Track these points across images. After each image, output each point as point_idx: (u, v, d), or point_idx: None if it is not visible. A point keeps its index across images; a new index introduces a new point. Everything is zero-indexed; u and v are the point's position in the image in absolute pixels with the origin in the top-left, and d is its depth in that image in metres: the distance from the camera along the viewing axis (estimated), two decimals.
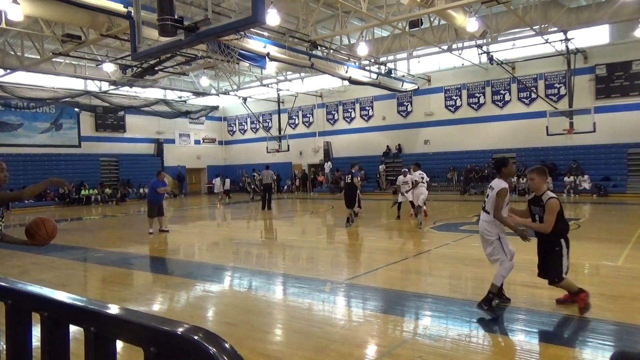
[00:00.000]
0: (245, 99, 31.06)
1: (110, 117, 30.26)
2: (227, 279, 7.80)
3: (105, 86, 26.16)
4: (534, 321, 5.06)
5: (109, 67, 21.39)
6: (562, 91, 22.47)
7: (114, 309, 0.92)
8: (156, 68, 20.42)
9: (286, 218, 17.61)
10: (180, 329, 0.79)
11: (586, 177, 21.58)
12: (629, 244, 9.31)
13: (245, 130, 36.65)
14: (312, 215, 18.73)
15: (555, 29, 17.75)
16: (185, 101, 32.47)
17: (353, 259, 9.34)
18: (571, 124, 19.27)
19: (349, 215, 13.01)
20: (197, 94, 30.36)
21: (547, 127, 19.89)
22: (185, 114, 33.13)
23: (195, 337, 0.76)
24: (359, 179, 13.21)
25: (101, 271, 8.62)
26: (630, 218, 13.74)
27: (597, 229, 12.23)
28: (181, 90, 29.78)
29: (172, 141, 33.79)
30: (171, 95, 31.73)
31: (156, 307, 6.19)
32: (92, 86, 26.95)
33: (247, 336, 4.78)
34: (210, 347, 0.74)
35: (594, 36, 21.73)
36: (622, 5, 15.86)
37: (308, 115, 32.83)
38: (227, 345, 0.76)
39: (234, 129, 37.35)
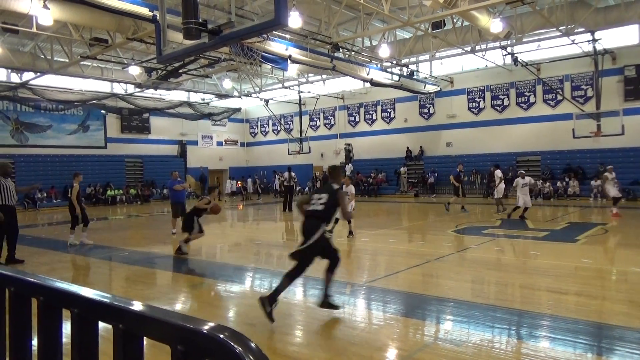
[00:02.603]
0: (267, 101, 31.29)
1: (135, 119, 30.84)
2: (248, 280, 7.86)
3: (130, 89, 26.73)
4: (559, 327, 4.96)
5: (135, 70, 21.83)
6: (589, 93, 21.97)
7: (141, 307, 0.94)
8: (180, 71, 20.73)
9: None
10: (207, 328, 0.80)
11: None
12: None
13: (266, 132, 36.87)
14: None
15: (582, 29, 17.37)
16: (208, 103, 32.90)
17: (374, 261, 9.30)
18: (598, 127, 18.86)
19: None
20: (220, 96, 30.71)
21: (573, 129, 19.51)
22: (208, 116, 33.52)
23: (222, 336, 0.78)
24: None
25: (125, 270, 8.78)
26: None
27: (625, 234, 11.92)
28: (204, 93, 30.16)
29: (195, 143, 34.23)
30: (194, 97, 32.20)
31: (178, 306, 6.28)
32: (118, 89, 27.52)
33: (267, 337, 4.81)
34: (236, 346, 0.75)
35: (622, 36, 21.16)
36: None
37: (329, 117, 32.86)
38: (252, 345, 0.77)
39: (256, 131, 37.61)
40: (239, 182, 31.34)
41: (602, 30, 17.49)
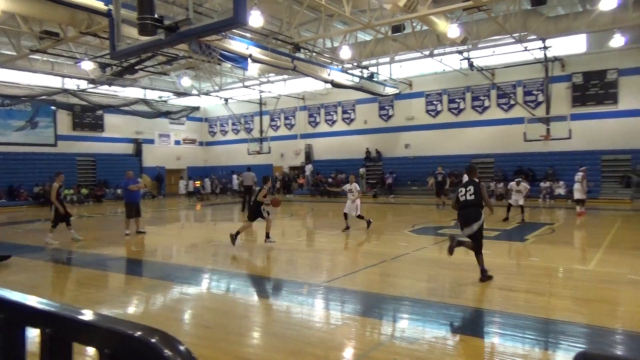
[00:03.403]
0: (226, 100, 30.90)
1: (88, 116, 29.73)
2: (204, 282, 7.73)
3: (83, 84, 25.71)
4: (508, 324, 5.14)
5: (88, 65, 21.02)
6: (540, 98, 22.92)
7: (70, 311, 0.90)
8: (136, 67, 20.15)
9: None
10: (136, 331, 0.77)
11: (561, 182, 22.03)
12: (601, 248, 9.53)
13: (226, 132, 36.43)
14: (291, 218, 18.69)
15: (534, 37, 18.10)
16: (165, 101, 32.12)
17: (331, 261, 9.34)
18: (548, 131, 19.66)
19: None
20: (178, 94, 30.07)
21: (524, 133, 20.28)
22: (166, 114, 32.75)
23: (152, 340, 0.75)
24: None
25: (75, 273, 8.45)
26: (603, 223, 14.07)
27: (570, 233, 12.51)
28: (162, 90, 29.45)
29: (152, 141, 33.38)
30: (151, 95, 31.35)
31: (131, 309, 6.09)
32: (70, 84, 26.46)
33: (222, 339, 4.74)
34: (165, 350, 0.73)
35: (571, 45, 22.23)
36: (598, 16, 16.26)
37: (290, 117, 32.81)
38: (182, 348, 0.75)
39: (215, 130, 37.10)
40: (196, 182, 30.81)
41: (552, 38, 18.28)
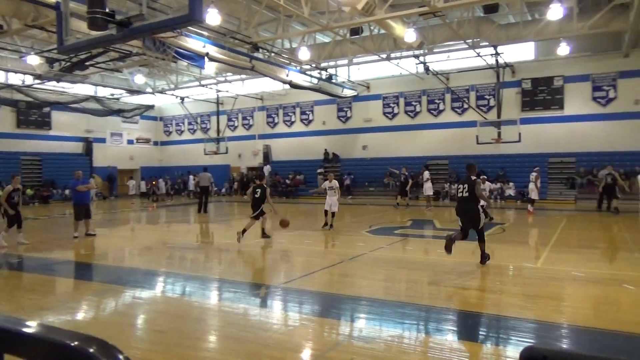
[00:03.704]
0: (182, 99, 30.23)
1: (34, 113, 28.31)
2: (158, 285, 7.51)
3: (29, 80, 24.44)
4: (461, 321, 5.27)
5: (34, 60, 20.02)
6: (492, 103, 23.75)
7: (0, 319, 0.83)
8: (87, 63, 19.36)
9: (223, 221, 17.28)
10: (73, 341, 0.72)
11: (511, 184, 22.91)
12: (548, 246, 9.96)
13: (182, 131, 35.70)
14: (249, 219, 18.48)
15: (486, 43, 18.76)
16: (118, 99, 31.04)
17: (290, 262, 9.31)
18: (499, 134, 20.39)
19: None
20: (131, 91, 29.15)
21: (477, 136, 20.93)
22: (118, 112, 31.68)
23: (90, 350, 0.70)
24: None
25: (19, 278, 8.02)
26: (549, 223, 14.72)
27: (520, 233, 13.01)
28: (114, 88, 28.43)
29: (103, 140, 32.19)
30: (103, 92, 30.21)
31: (79, 316, 5.83)
32: (15, 79, 25.12)
33: (176, 344, 4.61)
34: None
35: (521, 52, 23.22)
36: (546, 25, 17.03)
37: (248, 117, 32.51)
38: (122, 357, 0.70)
39: (170, 130, 36.28)
40: (150, 183, 29.98)
41: (503, 45, 19.00)
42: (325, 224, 12.89)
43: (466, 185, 7.95)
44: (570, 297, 6.33)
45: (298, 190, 28.31)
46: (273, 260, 9.44)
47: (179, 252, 10.46)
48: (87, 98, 29.40)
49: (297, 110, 30.43)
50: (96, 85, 27.86)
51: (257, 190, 11.11)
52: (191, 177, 29.21)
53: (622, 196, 16.87)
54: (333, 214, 12.93)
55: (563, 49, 19.70)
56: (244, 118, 32.66)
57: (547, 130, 22.86)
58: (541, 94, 23.20)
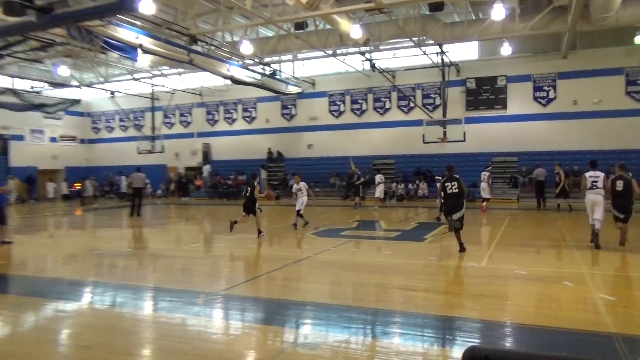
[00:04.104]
0: (113, 93, 29.04)
1: None
2: (85, 296, 7.17)
3: None
4: (408, 323, 5.40)
5: None
6: (437, 101, 24.56)
7: None
8: (2, 52, 18.19)
9: (158, 225, 16.77)
10: None
11: (456, 183, 23.73)
12: (492, 246, 10.44)
13: (112, 129, 34.35)
14: (187, 222, 18.08)
15: (432, 41, 19.38)
16: (39, 92, 29.27)
17: (231, 268, 9.18)
18: (445, 133, 21.11)
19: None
20: (55, 84, 27.62)
21: (423, 135, 21.54)
22: (39, 107, 29.85)
23: None
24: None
25: None
26: (493, 221, 15.41)
27: (465, 232, 13.48)
28: (34, 80, 26.84)
29: (22, 138, 30.29)
30: (21, 84, 28.39)
31: None
32: None
33: (105, 358, 4.42)
34: None
35: (465, 51, 24.18)
36: (489, 25, 17.84)
37: (186, 114, 31.76)
38: None
39: (100, 127, 34.82)
40: (75, 185, 28.57)
41: (448, 44, 19.72)
42: (306, 223, 13.80)
43: (455, 183, 9.51)
44: (513, 295, 6.65)
45: (239, 191, 27.94)
46: (213, 266, 9.27)
47: (108, 259, 10.04)
48: (3, 91, 27.48)
49: (239, 107, 30.07)
50: (13, 76, 26.13)
51: (247, 189, 12.19)
52: (123, 177, 28.10)
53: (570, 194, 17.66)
54: (298, 212, 13.82)
55: (506, 49, 20.71)
56: (181, 115, 31.88)
57: (491, 130, 23.92)
58: (485, 94, 24.25)
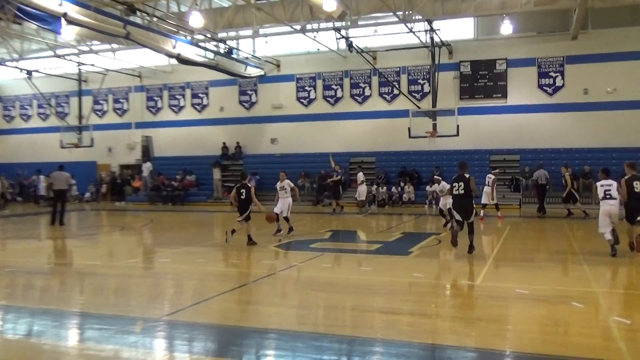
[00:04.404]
0: (30, 73, 28.39)
1: None
2: None
3: None
4: (391, 353, 5.44)
5: None
6: (426, 88, 24.89)
7: None
8: None
9: (86, 236, 16.49)
10: None
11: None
12: (489, 260, 10.63)
13: (29, 116, 33.79)
14: (123, 232, 17.81)
15: (420, 17, 19.60)
16: None
17: (176, 288, 9.07)
18: (434, 126, 21.34)
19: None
20: None
21: (409, 128, 21.72)
22: None
23: None
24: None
25: None
26: (490, 231, 15.68)
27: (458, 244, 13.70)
28: None
29: None
30: None
31: None
32: None
33: None
34: None
35: (459, 30, 24.57)
36: None
37: (121, 100, 31.35)
38: None
39: (13, 114, 34.24)
40: None
41: (439, 20, 20.01)
42: (278, 230, 13.87)
43: (462, 183, 10.35)
44: (513, 319, 6.78)
45: (188, 194, 27.71)
46: (155, 286, 9.15)
47: (23, 278, 9.81)
48: None
49: (188, 92, 29.84)
50: None
51: (241, 191, 12.32)
52: (42, 177, 27.47)
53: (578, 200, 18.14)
54: (286, 218, 14.06)
55: (506, 28, 21.14)
56: (116, 101, 31.45)
57: (489, 123, 24.36)
58: (482, 80, 24.69)
